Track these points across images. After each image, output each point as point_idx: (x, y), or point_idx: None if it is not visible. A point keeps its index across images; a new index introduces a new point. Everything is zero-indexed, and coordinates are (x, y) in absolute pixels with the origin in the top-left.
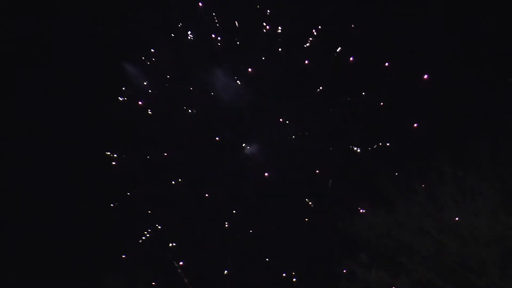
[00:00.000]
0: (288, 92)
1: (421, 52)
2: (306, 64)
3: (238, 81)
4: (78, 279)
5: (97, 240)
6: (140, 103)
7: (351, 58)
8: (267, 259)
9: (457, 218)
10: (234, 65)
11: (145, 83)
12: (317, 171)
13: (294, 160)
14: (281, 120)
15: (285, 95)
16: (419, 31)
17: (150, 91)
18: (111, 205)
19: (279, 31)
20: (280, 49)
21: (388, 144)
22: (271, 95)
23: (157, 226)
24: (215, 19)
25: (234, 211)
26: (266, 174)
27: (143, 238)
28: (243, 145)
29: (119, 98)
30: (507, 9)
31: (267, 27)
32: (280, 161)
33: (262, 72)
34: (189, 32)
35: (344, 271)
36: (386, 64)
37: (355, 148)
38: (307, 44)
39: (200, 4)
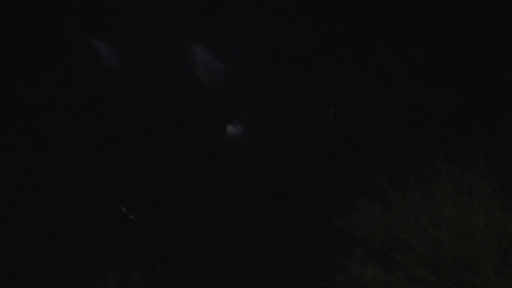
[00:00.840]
0: (272, 70)
1: (419, 47)
2: (292, 40)
3: (219, 60)
4: (72, 278)
5: (89, 237)
6: (113, 84)
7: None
8: (257, 253)
9: (453, 215)
10: (214, 43)
11: (119, 63)
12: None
13: (282, 143)
14: (266, 99)
15: (269, 73)
16: (417, 22)
17: (124, 71)
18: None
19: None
20: (262, 25)
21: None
22: (254, 73)
23: (140, 213)
24: None
25: (220, 201)
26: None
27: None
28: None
29: (92, 81)
30: (506, 9)
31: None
32: (266, 144)
33: (243, 50)
34: (165, 9)
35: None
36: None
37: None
38: (292, 19)
39: None
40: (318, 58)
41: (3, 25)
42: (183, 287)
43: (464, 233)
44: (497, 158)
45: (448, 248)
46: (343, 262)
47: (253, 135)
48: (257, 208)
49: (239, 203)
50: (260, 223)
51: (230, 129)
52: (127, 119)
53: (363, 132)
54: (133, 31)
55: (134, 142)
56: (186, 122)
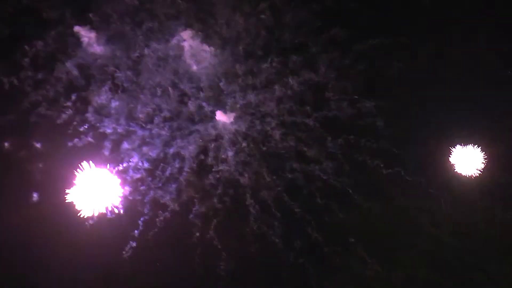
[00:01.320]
0: (266, 55)
1: (418, 44)
2: (285, 24)
3: (208, 45)
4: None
5: None
6: (96, 71)
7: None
8: (255, 251)
9: (454, 214)
10: (204, 27)
11: (102, 49)
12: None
13: (276, 133)
14: (257, 86)
15: (262, 58)
16: (417, 15)
17: (107, 57)
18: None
19: None
20: (254, 9)
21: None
22: (245, 59)
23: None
24: None
25: (213, 194)
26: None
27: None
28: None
29: (73, 67)
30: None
31: None
32: (259, 133)
33: (235, 35)
34: None
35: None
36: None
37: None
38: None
39: None
40: (312, 43)
41: None
42: (183, 287)
43: (465, 232)
44: (496, 155)
45: (450, 247)
46: (343, 260)
47: (245, 123)
48: (253, 204)
49: (232, 197)
50: (256, 219)
51: (221, 116)
52: (110, 107)
53: (363, 128)
54: (118, 15)
55: (119, 132)
56: (174, 111)
